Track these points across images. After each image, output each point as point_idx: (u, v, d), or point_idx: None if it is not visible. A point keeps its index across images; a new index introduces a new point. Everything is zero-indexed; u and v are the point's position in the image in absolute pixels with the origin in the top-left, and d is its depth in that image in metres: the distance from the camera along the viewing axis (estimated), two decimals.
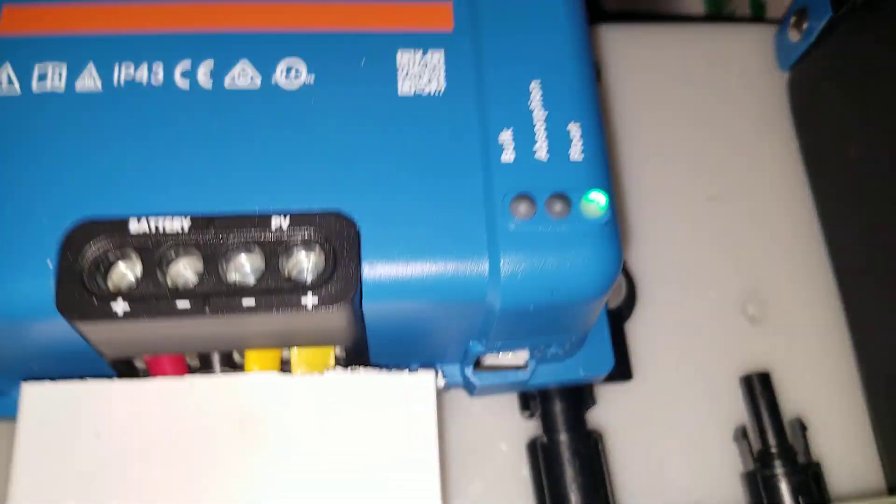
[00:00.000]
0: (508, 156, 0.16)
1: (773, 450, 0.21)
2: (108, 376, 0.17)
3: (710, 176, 0.26)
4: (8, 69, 0.16)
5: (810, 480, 0.21)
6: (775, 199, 0.26)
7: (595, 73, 0.18)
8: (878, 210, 0.23)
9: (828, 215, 0.26)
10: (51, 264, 0.15)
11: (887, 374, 0.23)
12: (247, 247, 0.15)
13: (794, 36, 0.27)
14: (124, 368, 0.17)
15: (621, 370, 0.22)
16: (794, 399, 0.23)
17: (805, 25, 0.26)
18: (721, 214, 0.26)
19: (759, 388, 0.22)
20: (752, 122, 0.27)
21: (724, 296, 0.25)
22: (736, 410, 0.23)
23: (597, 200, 0.15)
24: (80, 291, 0.14)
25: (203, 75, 0.16)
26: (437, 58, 0.17)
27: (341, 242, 0.15)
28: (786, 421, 0.22)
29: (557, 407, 0.20)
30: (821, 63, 0.26)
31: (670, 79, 0.28)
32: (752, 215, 0.26)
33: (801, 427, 0.22)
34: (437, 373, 0.17)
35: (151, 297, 0.14)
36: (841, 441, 0.23)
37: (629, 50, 0.28)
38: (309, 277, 0.15)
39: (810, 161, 0.26)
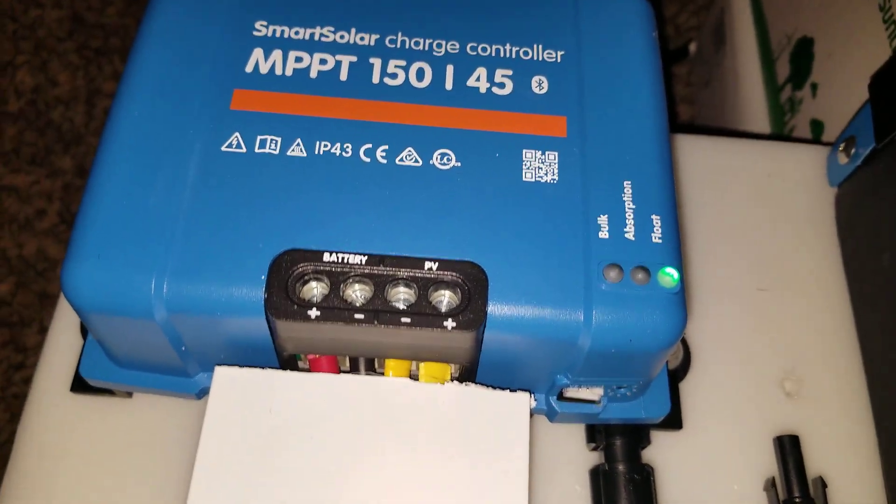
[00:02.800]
0: (604, 234, 0.21)
1: (797, 501, 0.25)
2: (272, 367, 0.22)
3: (761, 270, 0.31)
4: (238, 136, 0.22)
5: None
6: (816, 293, 0.30)
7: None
8: None
9: (860, 311, 0.30)
10: (264, 278, 0.20)
11: None
12: (405, 281, 0.20)
13: (842, 159, 0.31)
14: (290, 364, 0.22)
15: (673, 420, 0.26)
16: (818, 461, 0.27)
17: (852, 151, 0.31)
18: (769, 303, 0.30)
19: (788, 448, 0.26)
20: (802, 227, 0.32)
21: (765, 371, 0.29)
22: (767, 465, 0.27)
23: (671, 274, 0.20)
24: (285, 299, 0.20)
25: (380, 154, 0.22)
26: (552, 156, 0.22)
27: (475, 284, 0.20)
28: (809, 478, 0.26)
29: (619, 441, 0.25)
30: (864, 184, 0.30)
31: (734, 186, 0.32)
32: (795, 306, 0.30)
33: (823, 484, 0.26)
34: (530, 394, 0.22)
35: (336, 308, 0.20)
36: (856, 498, 0.26)
37: (700, 158, 0.33)
38: (448, 308, 0.20)
39: (849, 264, 0.31)
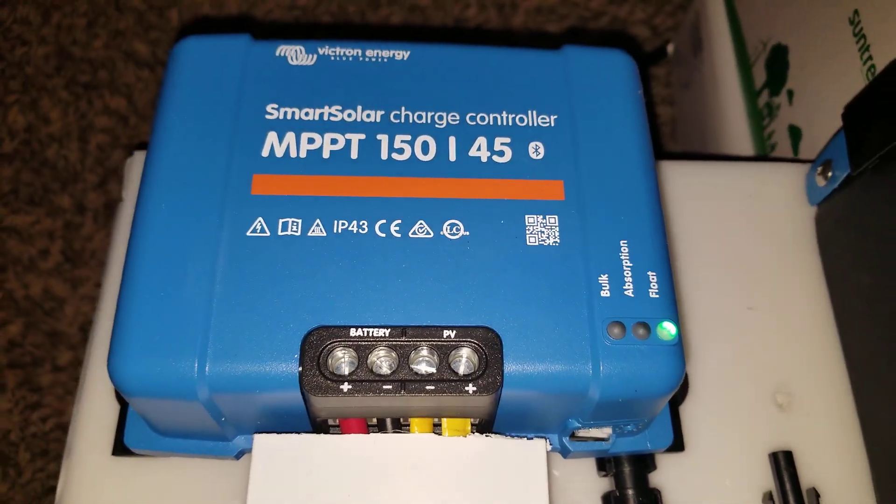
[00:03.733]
0: (605, 292, 0.23)
1: None
2: (308, 432, 0.24)
3: (749, 290, 0.32)
4: (261, 220, 0.24)
5: None
6: (802, 310, 0.32)
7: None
8: (883, 325, 0.29)
9: (844, 326, 0.32)
10: (296, 356, 0.22)
11: (889, 455, 0.29)
12: (427, 349, 0.22)
13: (820, 181, 0.33)
14: (323, 426, 0.24)
15: (676, 444, 0.28)
16: (811, 472, 0.29)
17: (829, 175, 0.33)
18: (758, 321, 0.32)
19: (783, 463, 0.28)
20: (786, 246, 0.34)
21: (758, 387, 0.31)
22: (764, 480, 0.29)
23: (668, 329, 0.22)
24: (317, 374, 0.22)
25: (394, 229, 0.24)
26: (553, 220, 0.24)
27: (490, 348, 0.22)
28: (804, 489, 0.28)
29: (627, 469, 0.27)
30: (841, 205, 0.32)
31: (718, 208, 0.34)
32: (783, 323, 0.32)
33: (816, 495, 0.28)
34: (546, 440, 0.24)
35: (366, 381, 0.22)
36: None
37: (685, 183, 0.35)
38: (468, 371, 0.22)
39: (831, 281, 0.33)
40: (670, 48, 0.67)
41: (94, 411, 0.29)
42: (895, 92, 0.29)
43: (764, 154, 0.49)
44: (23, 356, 0.59)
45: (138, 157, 0.35)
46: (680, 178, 0.35)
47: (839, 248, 0.32)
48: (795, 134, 0.45)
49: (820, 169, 0.33)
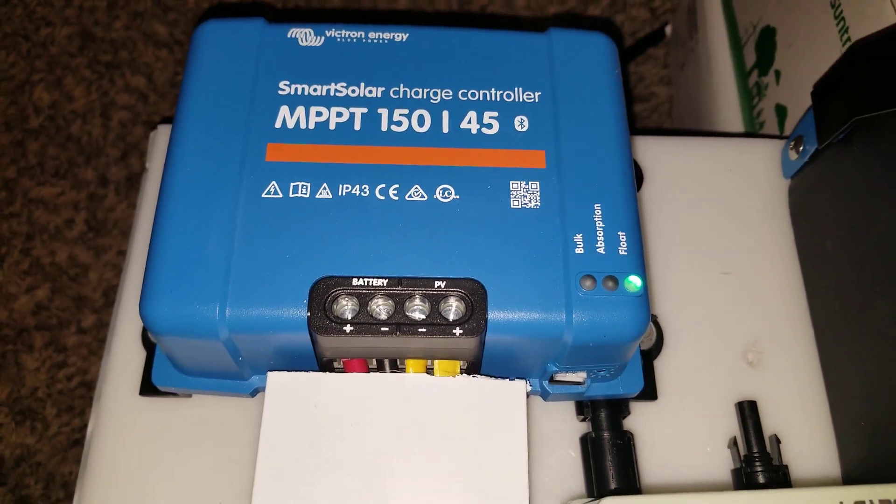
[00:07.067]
0: (580, 250, 0.26)
1: (756, 454, 0.30)
2: (313, 370, 0.27)
3: (725, 256, 0.35)
4: (274, 184, 0.27)
5: (780, 477, 0.30)
6: (774, 275, 0.35)
7: (639, 178, 0.27)
8: (845, 288, 0.32)
9: (812, 290, 0.34)
10: (305, 301, 0.25)
11: (848, 406, 0.31)
12: (420, 297, 0.25)
13: (792, 155, 0.36)
14: (328, 366, 0.27)
15: (649, 392, 0.31)
16: (774, 421, 0.32)
17: (801, 149, 0.35)
18: (732, 285, 0.35)
19: (748, 412, 0.31)
20: (760, 216, 0.36)
21: (730, 345, 0.33)
22: (731, 426, 0.32)
23: (634, 282, 0.25)
24: (323, 318, 0.25)
25: (392, 192, 0.27)
26: (535, 186, 0.27)
27: (476, 297, 0.25)
28: (766, 435, 0.31)
29: (603, 413, 0.30)
30: (811, 178, 0.35)
31: (699, 181, 0.37)
32: (755, 287, 0.35)
33: (777, 441, 0.30)
34: (526, 381, 0.27)
35: (366, 323, 0.25)
36: (805, 453, 0.31)
37: (667, 157, 0.37)
38: (456, 317, 0.25)
39: (801, 249, 0.35)
40: (668, 30, 0.69)
41: (122, 361, 0.33)
42: (855, 72, 0.32)
43: (753, 132, 0.52)
44: (49, 319, 0.62)
45: (162, 131, 0.38)
46: (667, 154, 0.37)
47: (808, 217, 0.35)
48: (781, 112, 0.48)
49: (793, 144, 0.36)
